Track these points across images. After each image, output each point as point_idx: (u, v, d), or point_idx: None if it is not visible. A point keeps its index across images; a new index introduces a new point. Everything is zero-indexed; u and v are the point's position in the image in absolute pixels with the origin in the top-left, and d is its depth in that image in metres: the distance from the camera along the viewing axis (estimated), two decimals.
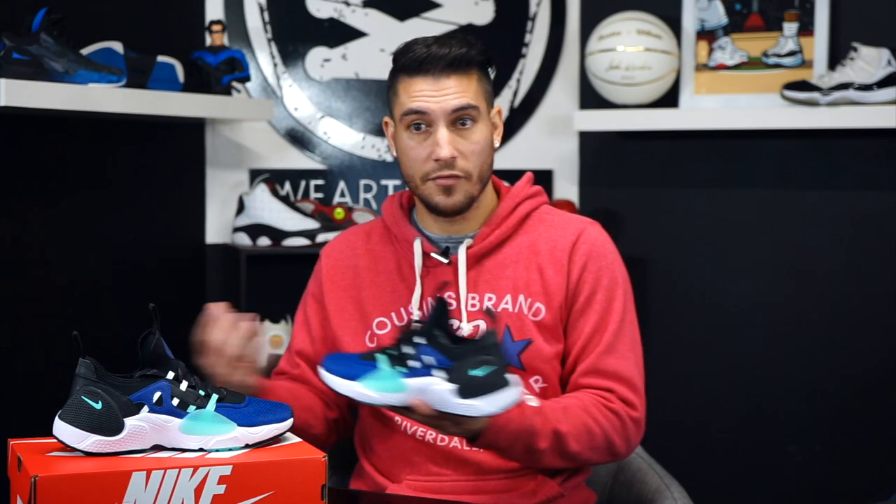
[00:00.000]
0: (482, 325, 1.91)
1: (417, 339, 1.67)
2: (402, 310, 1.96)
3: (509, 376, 1.67)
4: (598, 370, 1.91)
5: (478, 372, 1.65)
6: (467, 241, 1.95)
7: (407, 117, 1.89)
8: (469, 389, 1.64)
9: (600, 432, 1.86)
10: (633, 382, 1.92)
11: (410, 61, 1.88)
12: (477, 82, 1.90)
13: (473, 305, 1.93)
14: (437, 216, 1.95)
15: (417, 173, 1.91)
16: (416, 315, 1.94)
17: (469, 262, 1.94)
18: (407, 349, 1.67)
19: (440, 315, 1.68)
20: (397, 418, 1.94)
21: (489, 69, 1.95)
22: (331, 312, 2.01)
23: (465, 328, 1.91)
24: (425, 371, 1.66)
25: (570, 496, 1.96)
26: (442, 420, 1.69)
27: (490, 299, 1.93)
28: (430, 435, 1.92)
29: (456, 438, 1.90)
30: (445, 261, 1.94)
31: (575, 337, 1.93)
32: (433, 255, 1.95)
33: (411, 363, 1.66)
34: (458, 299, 1.94)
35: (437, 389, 1.65)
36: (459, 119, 1.88)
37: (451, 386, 1.65)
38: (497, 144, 1.97)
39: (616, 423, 1.89)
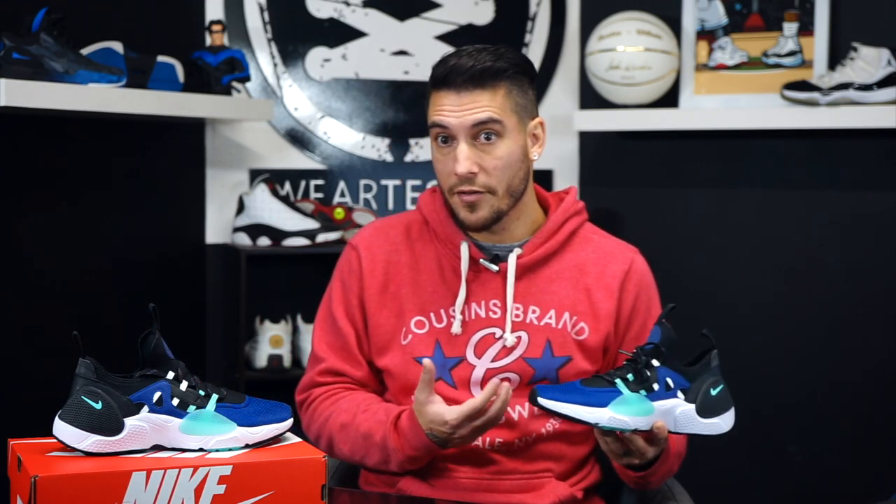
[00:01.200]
0: (524, 336, 1.92)
1: (655, 362, 1.71)
2: (441, 311, 1.94)
3: (730, 398, 1.76)
4: None
5: (713, 392, 1.73)
6: (517, 251, 1.94)
7: (433, 130, 1.89)
8: (708, 408, 1.73)
9: (686, 449, 1.97)
10: None
11: (438, 73, 1.87)
12: (504, 96, 1.86)
13: (517, 316, 1.93)
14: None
15: (445, 186, 1.90)
16: (457, 319, 1.92)
17: (517, 271, 1.93)
18: (647, 372, 1.71)
19: (670, 338, 1.72)
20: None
21: (528, 80, 1.91)
22: (368, 306, 1.98)
23: (508, 339, 1.92)
24: (669, 393, 1.71)
25: (582, 500, 1.97)
26: (649, 450, 1.74)
27: (534, 312, 1.93)
28: None
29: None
30: (495, 268, 1.93)
31: None
32: (482, 261, 1.93)
33: (654, 386, 1.70)
34: (503, 308, 1.93)
35: (681, 410, 1.72)
36: (482, 133, 1.85)
37: (692, 405, 1.72)
38: (536, 157, 1.94)
39: (685, 446, 1.99)
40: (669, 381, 1.71)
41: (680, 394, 1.72)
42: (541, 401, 1.70)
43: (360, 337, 2.00)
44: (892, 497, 1.98)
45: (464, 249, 1.94)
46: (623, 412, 1.69)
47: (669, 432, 1.73)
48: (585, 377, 1.83)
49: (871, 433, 2.96)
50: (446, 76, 1.85)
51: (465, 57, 1.85)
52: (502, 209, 1.90)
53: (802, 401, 3.04)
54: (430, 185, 2.04)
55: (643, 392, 1.70)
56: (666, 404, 1.71)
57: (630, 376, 1.71)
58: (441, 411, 1.79)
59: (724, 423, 1.75)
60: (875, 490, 2.78)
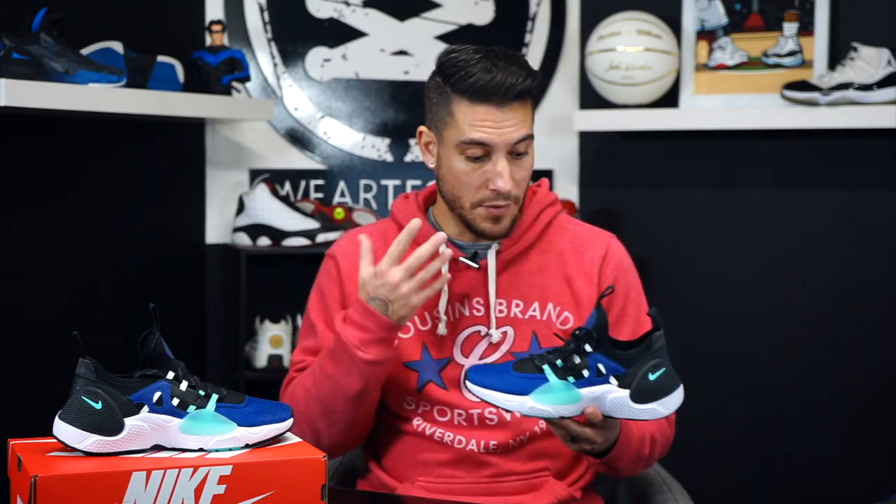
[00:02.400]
0: (510, 331, 1.92)
1: (587, 348, 1.66)
2: (425, 313, 1.93)
3: (677, 378, 1.68)
4: None
5: (652, 376, 1.65)
6: (495, 247, 1.94)
7: (465, 145, 1.85)
8: (644, 394, 1.65)
9: (664, 435, 1.95)
10: None
11: (474, 88, 1.82)
12: (531, 109, 1.88)
13: (501, 311, 1.93)
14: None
15: (468, 199, 1.88)
16: (442, 319, 1.92)
17: (497, 267, 1.94)
18: (576, 358, 1.66)
19: (603, 322, 1.67)
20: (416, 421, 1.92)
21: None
22: None
23: (493, 335, 1.92)
24: (600, 379, 1.66)
25: (580, 499, 1.96)
26: (586, 432, 1.71)
27: (518, 305, 1.93)
28: (448, 436, 1.92)
29: (473, 440, 1.90)
30: (475, 265, 1.93)
31: None
32: (462, 259, 1.93)
33: (584, 372, 1.65)
34: (486, 305, 1.93)
35: (612, 396, 1.66)
36: (517, 149, 1.86)
37: (626, 391, 1.65)
38: None
39: (667, 427, 1.97)
40: (601, 366, 1.65)
41: (613, 380, 1.66)
42: (469, 385, 1.68)
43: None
44: (893, 497, 1.98)
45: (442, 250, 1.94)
46: (545, 401, 1.65)
47: (606, 417, 1.68)
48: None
49: (871, 433, 2.96)
50: (488, 92, 1.82)
51: (499, 72, 1.82)
52: (516, 215, 1.93)
53: (802, 401, 3.04)
54: (429, 184, 2.03)
55: (571, 379, 1.65)
56: (595, 391, 1.66)
57: (559, 362, 1.66)
58: (370, 269, 1.81)
59: (663, 407, 1.66)
60: (875, 490, 2.78)
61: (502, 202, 1.87)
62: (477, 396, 1.68)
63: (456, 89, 1.85)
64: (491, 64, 1.83)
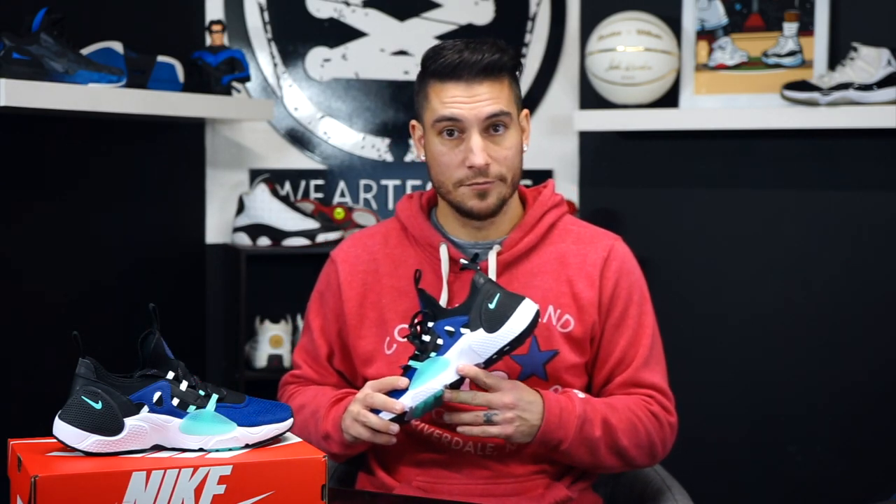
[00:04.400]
0: None
1: (429, 324, 1.76)
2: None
3: (516, 295, 1.77)
4: (635, 383, 1.95)
5: (491, 304, 1.74)
6: (496, 248, 1.94)
7: (439, 123, 1.88)
8: (493, 321, 1.74)
9: (644, 430, 1.92)
10: (667, 391, 1.98)
11: (442, 67, 1.86)
12: (508, 88, 1.89)
13: None
14: (466, 220, 1.94)
15: (450, 179, 1.89)
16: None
17: (498, 268, 1.93)
18: (426, 338, 1.76)
19: (429, 299, 1.78)
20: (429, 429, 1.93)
21: (518, 74, 1.94)
22: (349, 319, 1.98)
23: None
24: (454, 338, 1.75)
25: (578, 500, 1.96)
26: (478, 397, 1.78)
27: None
28: (446, 437, 1.92)
29: (470, 442, 1.90)
30: (475, 268, 1.92)
31: (610, 351, 1.95)
32: (462, 261, 1.92)
33: (438, 343, 1.75)
34: None
35: (471, 341, 1.74)
36: (492, 125, 1.87)
37: (479, 330, 1.74)
38: (526, 148, 1.95)
39: (656, 425, 1.94)
40: (449, 328, 1.75)
41: (463, 329, 1.75)
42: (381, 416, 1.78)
43: (332, 352, 2.03)
44: (893, 497, 1.99)
45: (443, 251, 1.94)
46: (421, 383, 1.75)
47: (482, 367, 1.76)
48: (573, 370, 1.91)
49: (871, 433, 2.96)
50: (455, 68, 1.85)
51: (468, 51, 1.86)
52: (506, 198, 1.91)
53: (802, 401, 3.04)
54: (428, 186, 2.03)
55: (433, 354, 1.76)
56: (457, 348, 1.75)
57: (417, 352, 1.78)
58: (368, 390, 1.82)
59: (515, 324, 1.74)
60: (875, 490, 2.78)
61: (481, 179, 1.87)
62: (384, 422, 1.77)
63: (429, 72, 1.89)
64: (463, 46, 1.88)
